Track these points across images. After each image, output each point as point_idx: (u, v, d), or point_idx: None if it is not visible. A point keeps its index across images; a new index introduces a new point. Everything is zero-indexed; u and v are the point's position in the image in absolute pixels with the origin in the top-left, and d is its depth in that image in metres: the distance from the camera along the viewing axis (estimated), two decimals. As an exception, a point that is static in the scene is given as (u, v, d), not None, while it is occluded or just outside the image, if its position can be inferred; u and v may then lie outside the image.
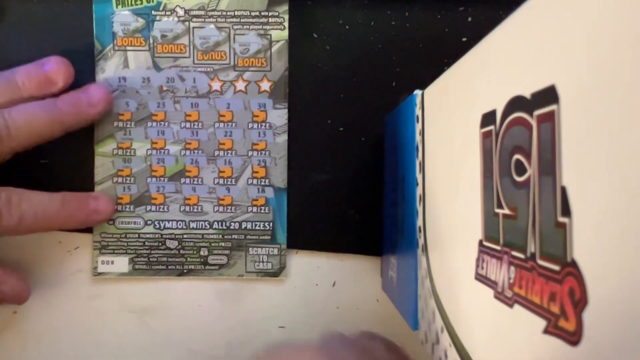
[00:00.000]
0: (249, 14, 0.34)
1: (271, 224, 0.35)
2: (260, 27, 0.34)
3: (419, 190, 0.25)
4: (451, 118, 0.21)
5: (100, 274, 0.34)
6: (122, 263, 0.34)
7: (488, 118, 0.17)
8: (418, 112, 0.25)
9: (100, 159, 0.34)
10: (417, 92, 0.26)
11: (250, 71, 0.34)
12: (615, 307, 0.10)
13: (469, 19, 0.35)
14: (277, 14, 0.34)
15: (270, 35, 0.34)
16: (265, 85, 0.34)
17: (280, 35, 0.34)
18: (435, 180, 0.23)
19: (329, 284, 0.36)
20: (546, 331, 0.13)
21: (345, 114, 0.35)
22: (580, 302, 0.12)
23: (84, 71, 0.34)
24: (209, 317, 0.36)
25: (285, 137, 0.35)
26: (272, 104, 0.34)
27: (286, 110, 0.34)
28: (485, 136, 0.17)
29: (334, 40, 0.35)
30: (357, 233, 0.35)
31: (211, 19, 0.34)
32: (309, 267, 0.36)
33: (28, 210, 0.30)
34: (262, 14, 0.34)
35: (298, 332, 0.36)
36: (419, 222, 0.25)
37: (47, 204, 0.31)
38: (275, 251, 0.35)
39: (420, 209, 0.25)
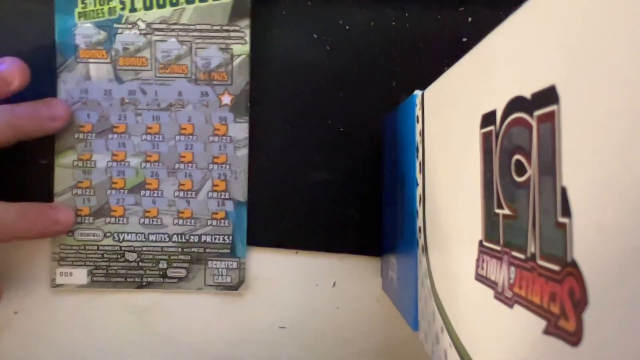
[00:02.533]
0: (210, 27, 0.34)
1: (230, 237, 0.35)
2: (222, 41, 0.34)
3: (418, 191, 0.25)
4: (451, 118, 0.21)
5: (58, 285, 0.34)
6: (80, 275, 0.34)
7: (488, 118, 0.17)
8: (418, 112, 0.25)
9: (60, 170, 0.34)
10: (417, 92, 0.26)
11: (212, 85, 0.34)
12: (616, 307, 0.10)
13: (469, 19, 0.35)
14: (238, 28, 0.34)
15: (232, 49, 0.34)
16: (227, 99, 0.34)
17: (242, 49, 0.34)
18: (435, 181, 0.23)
19: (329, 284, 0.36)
20: (546, 331, 0.13)
21: (345, 114, 0.35)
22: (580, 302, 0.12)
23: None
24: (209, 317, 0.36)
25: (245, 151, 0.35)
26: (233, 118, 0.34)
27: (247, 124, 0.35)
28: (485, 136, 0.17)
29: (334, 40, 0.35)
30: (357, 233, 0.35)
31: (173, 33, 0.34)
32: (309, 267, 0.36)
33: None
34: (224, 28, 0.34)
35: (298, 333, 0.36)
36: (419, 223, 0.25)
37: (4, 214, 0.30)
38: (235, 265, 0.35)
39: (420, 209, 0.25)
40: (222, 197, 0.35)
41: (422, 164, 0.25)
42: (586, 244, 0.12)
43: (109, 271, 0.34)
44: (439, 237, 0.22)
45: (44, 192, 0.34)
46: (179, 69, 0.34)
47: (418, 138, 0.25)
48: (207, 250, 0.35)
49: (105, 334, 0.36)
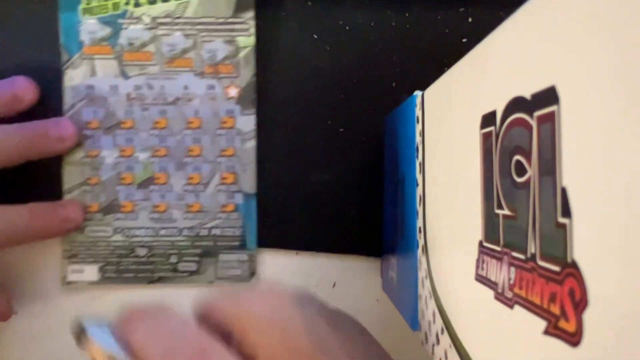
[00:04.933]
0: (215, 20, 0.34)
1: (241, 229, 0.35)
2: (227, 33, 0.34)
3: (419, 191, 0.25)
4: (451, 119, 0.21)
5: (70, 282, 0.34)
6: (91, 271, 0.34)
7: (488, 119, 0.17)
8: (418, 112, 0.25)
9: (69, 168, 0.34)
10: (417, 92, 0.26)
11: (218, 78, 0.34)
12: (616, 307, 0.10)
13: (469, 19, 0.35)
14: (243, 20, 0.34)
15: (237, 41, 0.34)
16: (233, 92, 0.34)
17: (247, 41, 0.34)
18: (436, 181, 0.23)
19: (329, 284, 0.36)
20: (546, 332, 0.13)
21: (346, 114, 0.35)
22: (580, 302, 0.12)
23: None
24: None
25: (253, 143, 0.35)
26: (240, 110, 0.34)
27: (254, 116, 0.35)
28: (486, 137, 0.17)
29: (334, 40, 0.35)
30: (358, 233, 0.35)
31: (177, 27, 0.34)
32: (309, 267, 0.36)
33: None
34: (228, 20, 0.34)
35: (298, 333, 0.36)
36: (419, 223, 0.25)
37: (14, 218, 0.31)
38: (245, 257, 0.35)
39: (420, 210, 0.25)
40: (231, 189, 0.35)
41: (422, 164, 0.25)
42: (586, 245, 0.12)
43: (120, 267, 0.34)
44: (439, 237, 0.22)
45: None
46: (184, 62, 0.34)
47: (418, 138, 0.25)
48: (218, 243, 0.35)
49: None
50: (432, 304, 0.23)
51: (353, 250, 0.36)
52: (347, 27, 0.35)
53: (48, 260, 0.35)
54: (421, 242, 0.25)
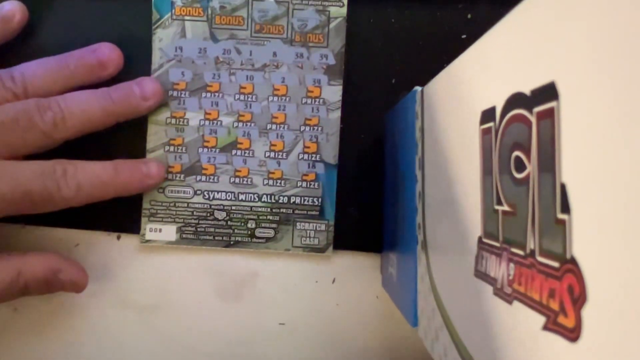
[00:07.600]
0: None
1: (320, 199, 0.35)
2: (319, 3, 0.34)
3: (418, 187, 0.25)
4: (450, 115, 0.21)
5: (148, 241, 0.35)
6: (169, 231, 0.35)
7: (487, 115, 0.17)
8: (417, 109, 0.25)
9: (153, 127, 0.34)
10: (417, 88, 0.26)
11: (307, 46, 0.34)
12: (615, 304, 0.10)
13: (469, 16, 0.35)
14: None
15: (329, 11, 0.34)
16: (322, 62, 0.34)
17: (339, 12, 0.34)
18: (435, 177, 0.23)
19: (329, 280, 0.36)
20: (545, 327, 0.13)
21: (345, 111, 0.35)
22: (579, 298, 0.12)
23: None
24: (208, 315, 0.36)
25: (338, 113, 0.35)
26: (327, 80, 0.34)
27: (341, 87, 0.34)
28: (485, 133, 0.17)
29: (334, 37, 0.35)
30: (357, 230, 0.35)
31: None
32: (309, 264, 0.36)
33: (84, 180, 0.31)
34: None
35: (298, 329, 0.36)
36: (419, 219, 0.25)
37: (101, 172, 0.31)
38: (323, 227, 0.35)
39: (419, 206, 0.25)
40: (313, 159, 0.35)
41: (422, 160, 0.25)
42: (586, 241, 0.12)
43: (198, 229, 0.35)
44: (439, 233, 0.22)
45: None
46: (274, 29, 0.34)
47: (417, 134, 0.25)
48: (296, 211, 0.35)
49: (105, 332, 0.36)
50: (431, 300, 0.23)
51: (352, 247, 0.36)
52: (346, 24, 0.35)
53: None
54: (420, 239, 0.25)
